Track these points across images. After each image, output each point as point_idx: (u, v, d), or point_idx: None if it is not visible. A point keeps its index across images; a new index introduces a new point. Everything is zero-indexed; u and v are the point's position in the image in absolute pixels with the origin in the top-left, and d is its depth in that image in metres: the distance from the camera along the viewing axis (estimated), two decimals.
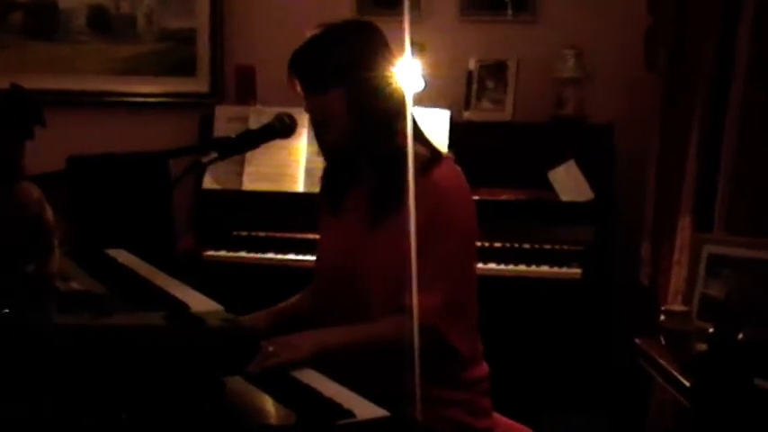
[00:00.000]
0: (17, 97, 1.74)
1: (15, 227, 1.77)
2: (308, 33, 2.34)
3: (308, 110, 2.33)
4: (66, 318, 1.75)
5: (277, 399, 1.87)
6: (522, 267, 3.67)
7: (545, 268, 3.66)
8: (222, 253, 3.84)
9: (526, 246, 3.74)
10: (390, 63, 2.34)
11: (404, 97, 2.35)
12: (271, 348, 2.09)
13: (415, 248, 2.22)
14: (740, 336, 2.45)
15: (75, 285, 1.96)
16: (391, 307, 2.27)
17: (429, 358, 2.28)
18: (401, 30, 3.94)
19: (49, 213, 1.82)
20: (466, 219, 2.35)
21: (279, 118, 2.37)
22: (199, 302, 1.95)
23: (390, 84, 2.32)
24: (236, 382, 1.88)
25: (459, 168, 2.40)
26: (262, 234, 3.88)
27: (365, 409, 1.86)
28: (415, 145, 2.34)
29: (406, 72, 2.39)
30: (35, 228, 1.79)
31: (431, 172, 2.30)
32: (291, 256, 3.78)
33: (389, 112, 2.32)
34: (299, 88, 2.33)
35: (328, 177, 2.48)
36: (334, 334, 2.27)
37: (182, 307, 1.86)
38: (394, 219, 2.29)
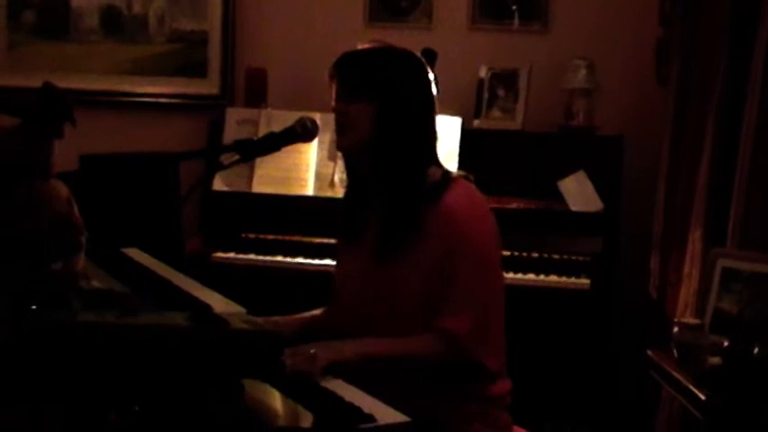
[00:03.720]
0: (49, 95, 1.74)
1: (43, 224, 1.77)
2: (362, 45, 2.35)
3: (336, 111, 2.33)
4: (91, 316, 1.74)
5: (297, 402, 1.87)
6: (531, 276, 3.68)
7: (554, 278, 3.67)
8: (231, 255, 3.83)
9: (535, 255, 3.75)
10: (427, 101, 2.35)
11: (429, 134, 2.36)
12: (312, 351, 2.11)
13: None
14: (756, 350, 2.46)
15: (96, 284, 1.95)
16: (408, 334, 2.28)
17: (459, 376, 2.29)
18: (412, 37, 3.97)
19: (77, 212, 1.82)
20: (482, 238, 2.33)
21: (301, 122, 2.35)
22: (220, 304, 1.95)
23: (418, 117, 2.33)
24: (256, 384, 1.88)
25: (471, 186, 2.37)
26: (270, 237, 3.88)
27: (386, 414, 1.87)
28: (429, 168, 2.35)
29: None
30: (63, 225, 1.79)
31: (442, 197, 2.29)
32: (300, 260, 3.78)
33: (410, 142, 2.32)
34: (334, 88, 2.32)
35: (346, 199, 2.49)
36: (376, 344, 2.27)
37: (205, 308, 1.86)
38: (407, 249, 2.28)
